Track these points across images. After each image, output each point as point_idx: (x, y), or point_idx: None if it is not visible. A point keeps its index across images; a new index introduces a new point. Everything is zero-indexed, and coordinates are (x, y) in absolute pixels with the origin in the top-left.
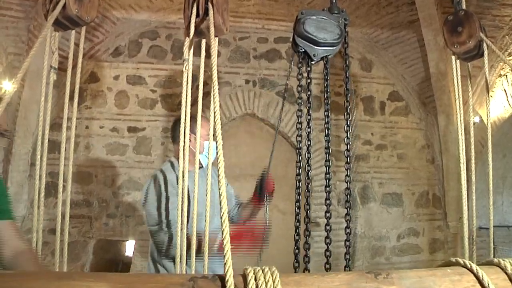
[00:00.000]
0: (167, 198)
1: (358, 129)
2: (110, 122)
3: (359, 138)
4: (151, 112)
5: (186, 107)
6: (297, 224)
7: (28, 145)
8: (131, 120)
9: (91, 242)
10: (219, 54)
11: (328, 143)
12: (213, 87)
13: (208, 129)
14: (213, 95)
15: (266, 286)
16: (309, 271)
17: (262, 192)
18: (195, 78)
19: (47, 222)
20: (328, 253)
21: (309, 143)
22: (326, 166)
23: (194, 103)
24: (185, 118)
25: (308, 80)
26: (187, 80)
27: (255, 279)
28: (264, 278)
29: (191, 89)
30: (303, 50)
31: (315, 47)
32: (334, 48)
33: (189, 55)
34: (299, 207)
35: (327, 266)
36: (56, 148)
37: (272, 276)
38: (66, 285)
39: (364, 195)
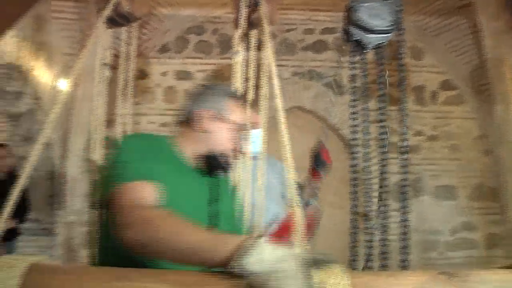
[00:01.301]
0: None
1: (409, 120)
2: (159, 118)
3: (410, 129)
4: None
5: None
6: (353, 218)
7: (82, 141)
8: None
9: None
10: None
11: (386, 134)
12: (268, 77)
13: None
14: (265, 86)
15: None
16: (369, 269)
17: (319, 163)
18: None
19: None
20: (385, 249)
21: (365, 135)
22: (382, 159)
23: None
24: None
25: (361, 70)
26: (239, 72)
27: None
28: (332, 278)
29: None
30: (356, 38)
31: (368, 35)
32: (388, 35)
33: (240, 47)
34: (354, 200)
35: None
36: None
37: (339, 276)
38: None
39: (416, 188)
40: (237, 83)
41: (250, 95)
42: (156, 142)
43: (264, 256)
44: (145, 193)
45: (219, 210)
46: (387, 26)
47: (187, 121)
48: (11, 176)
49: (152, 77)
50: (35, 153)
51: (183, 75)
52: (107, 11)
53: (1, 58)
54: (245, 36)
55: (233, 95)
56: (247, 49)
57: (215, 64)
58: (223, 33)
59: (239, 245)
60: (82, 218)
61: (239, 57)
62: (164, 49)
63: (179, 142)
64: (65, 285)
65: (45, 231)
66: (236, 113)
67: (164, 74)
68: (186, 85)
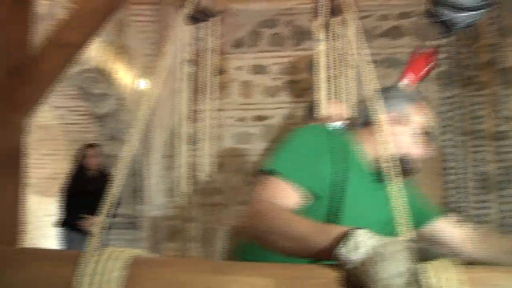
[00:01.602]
0: None
1: (497, 105)
2: (236, 113)
3: (498, 115)
4: (275, 100)
5: (321, 88)
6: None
7: (162, 138)
8: (257, 109)
9: (224, 230)
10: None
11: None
12: (350, 65)
13: (339, 110)
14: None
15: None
16: None
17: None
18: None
19: (181, 210)
20: None
21: (455, 122)
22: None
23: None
24: (319, 100)
25: (446, 54)
26: (321, 61)
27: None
28: (446, 272)
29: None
30: (443, 19)
31: (458, 14)
32: (480, 12)
33: (321, 35)
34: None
35: None
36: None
37: (454, 271)
38: (224, 281)
39: (507, 178)
40: (320, 72)
41: (332, 86)
42: (335, 139)
43: (368, 243)
44: (283, 193)
45: (390, 217)
46: (479, 3)
47: (365, 123)
48: (101, 174)
49: (227, 73)
50: (128, 152)
51: (258, 69)
52: (188, 8)
53: (88, 63)
54: (326, 25)
55: (414, 97)
56: (328, 38)
57: (289, 56)
58: (296, 25)
59: (343, 233)
60: (164, 212)
61: (320, 46)
62: (238, 44)
63: (360, 143)
64: (166, 277)
65: (131, 225)
66: (418, 115)
67: (239, 69)
68: (262, 79)
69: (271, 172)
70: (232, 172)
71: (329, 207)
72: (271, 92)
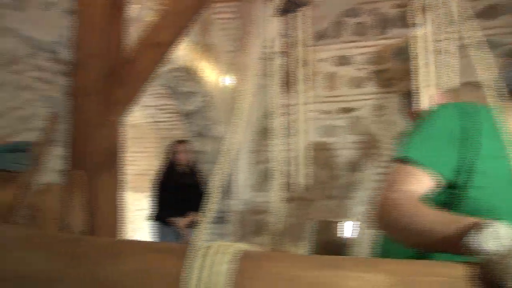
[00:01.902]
0: None
1: None
2: (321, 105)
3: None
4: (361, 91)
5: (419, 76)
6: None
7: (248, 134)
8: (342, 101)
9: (310, 224)
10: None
11: None
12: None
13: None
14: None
15: None
16: None
17: None
18: (402, 51)
19: (269, 204)
20: None
21: None
22: None
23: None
24: (417, 88)
25: None
26: (420, 46)
27: None
28: None
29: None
30: None
31: None
32: None
33: (419, 20)
34: None
35: None
36: (274, 135)
37: None
38: (335, 277)
39: None
40: (418, 59)
41: (431, 72)
42: (476, 118)
43: (500, 234)
44: (414, 180)
45: None
46: None
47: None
48: (191, 169)
49: (311, 65)
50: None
51: (342, 60)
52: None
53: (175, 62)
54: (422, 9)
55: None
56: (424, 22)
57: (374, 45)
58: (380, 13)
59: (473, 223)
60: (251, 206)
61: (417, 31)
62: (320, 36)
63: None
64: (274, 272)
65: (219, 220)
66: None
67: (322, 60)
68: (346, 70)
69: (404, 159)
70: (318, 166)
71: (460, 194)
72: (356, 83)
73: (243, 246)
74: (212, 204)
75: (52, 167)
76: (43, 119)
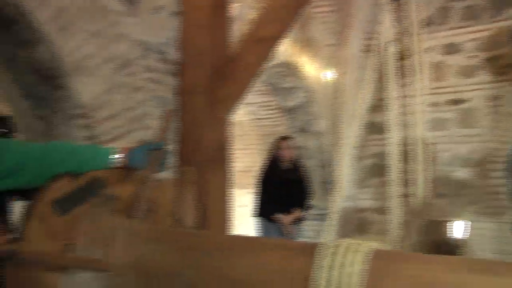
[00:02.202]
0: None
1: None
2: (427, 97)
3: None
4: (472, 81)
5: None
6: None
7: (350, 129)
8: (451, 92)
9: (416, 222)
10: None
11: None
12: None
13: None
14: None
15: None
16: None
17: None
18: None
19: (374, 201)
20: None
21: None
22: None
23: None
24: None
25: None
26: None
27: None
28: None
29: None
30: None
31: None
32: None
33: None
34: None
35: None
36: (379, 129)
37: None
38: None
39: None
40: None
41: None
42: None
43: None
44: None
45: None
46: None
47: None
48: (295, 166)
49: (416, 55)
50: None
51: (450, 48)
52: None
53: (276, 58)
54: None
55: None
56: None
57: (486, 30)
58: None
59: None
60: (354, 203)
61: None
62: (426, 23)
63: None
64: (409, 274)
65: (321, 217)
66: None
67: (428, 50)
68: (455, 59)
69: None
70: (426, 162)
71: None
72: (467, 72)
73: (374, 244)
74: (318, 200)
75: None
76: (159, 118)
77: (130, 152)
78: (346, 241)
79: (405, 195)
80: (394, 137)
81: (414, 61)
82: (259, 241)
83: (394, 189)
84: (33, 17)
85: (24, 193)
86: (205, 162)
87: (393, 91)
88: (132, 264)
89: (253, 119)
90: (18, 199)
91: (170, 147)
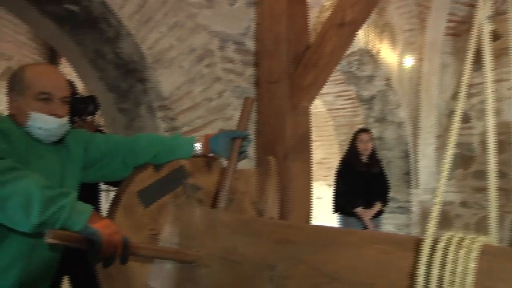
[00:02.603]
0: None
1: None
2: None
3: None
4: None
5: None
6: None
7: (432, 117)
8: None
9: (508, 217)
10: None
11: None
12: None
13: None
14: None
15: None
16: None
17: None
18: None
19: (458, 194)
20: None
21: None
22: None
23: None
24: None
25: None
26: None
27: None
28: None
29: None
30: None
31: None
32: None
33: None
34: None
35: None
36: (464, 118)
37: None
38: None
39: None
40: None
41: None
42: None
43: None
44: None
45: None
46: None
47: None
48: (374, 158)
49: (506, 36)
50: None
51: None
52: None
53: (354, 45)
54: None
55: None
56: None
57: None
58: None
59: None
60: (437, 196)
61: None
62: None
63: None
64: None
65: (401, 209)
66: None
67: None
68: None
69: None
70: None
71: None
72: None
73: (483, 239)
74: (398, 193)
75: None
76: (242, 107)
77: (211, 140)
78: (456, 236)
79: (499, 188)
80: (488, 125)
81: (503, 44)
82: (356, 234)
83: (491, 181)
84: (117, 13)
85: (112, 184)
86: (287, 152)
87: (484, 75)
88: (219, 255)
89: (328, 109)
90: (107, 190)
91: (251, 135)
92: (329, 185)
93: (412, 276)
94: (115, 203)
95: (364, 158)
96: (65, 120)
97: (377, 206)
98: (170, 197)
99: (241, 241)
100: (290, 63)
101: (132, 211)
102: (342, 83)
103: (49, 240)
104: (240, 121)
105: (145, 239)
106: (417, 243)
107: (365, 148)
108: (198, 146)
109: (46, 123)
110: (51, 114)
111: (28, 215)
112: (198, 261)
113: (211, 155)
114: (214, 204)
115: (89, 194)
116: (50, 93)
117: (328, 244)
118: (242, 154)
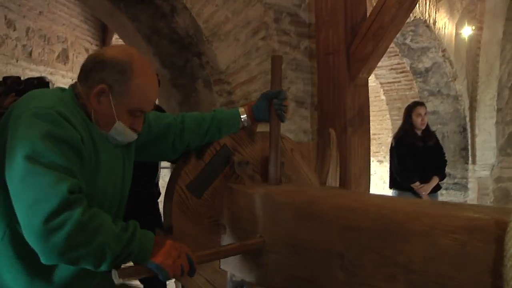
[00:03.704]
0: None
1: None
2: None
3: None
4: None
5: None
6: None
7: (492, 90)
8: None
9: None
10: None
11: None
12: None
13: None
14: None
15: None
16: None
17: None
18: None
19: None
20: None
21: None
22: None
23: None
24: None
25: None
26: None
27: None
28: None
29: None
30: None
31: None
32: None
33: None
34: None
35: None
36: None
37: None
38: None
39: None
40: None
41: None
42: None
43: None
44: None
45: None
46: None
47: None
48: (430, 132)
49: None
50: None
51: None
52: None
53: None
54: None
55: None
56: None
57: None
58: None
59: None
60: (495, 172)
61: None
62: None
63: None
64: None
65: (457, 186)
66: None
67: None
68: None
69: None
70: None
71: None
72: None
73: None
74: (454, 169)
75: (301, 127)
76: (271, 66)
77: (253, 108)
78: None
79: None
80: None
81: None
82: (424, 221)
83: None
84: None
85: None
86: (346, 124)
87: None
88: (284, 241)
89: (381, 83)
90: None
91: (284, 93)
92: (379, 161)
93: (497, 269)
94: (167, 202)
95: (419, 132)
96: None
97: (435, 180)
98: (220, 181)
99: (304, 226)
100: (348, 33)
101: (186, 205)
102: (396, 55)
103: (118, 281)
104: (273, 82)
105: (207, 229)
106: (500, 226)
107: (422, 122)
108: (244, 117)
109: (125, 137)
110: (132, 129)
111: (98, 267)
112: (264, 247)
113: (257, 121)
114: (266, 175)
115: (148, 172)
116: (143, 110)
117: (396, 232)
118: (280, 115)
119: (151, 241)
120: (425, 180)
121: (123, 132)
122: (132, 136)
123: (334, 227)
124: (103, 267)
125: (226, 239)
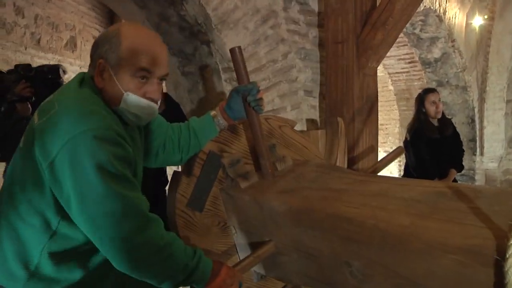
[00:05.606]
0: None
1: None
2: None
3: None
4: None
5: None
6: None
7: (502, 81)
8: None
9: None
10: None
11: None
12: None
13: None
14: None
15: None
16: None
17: None
18: None
19: None
20: None
21: None
22: None
23: None
24: None
25: None
26: None
27: None
28: None
29: None
30: None
31: None
32: None
33: None
34: None
35: None
36: None
37: None
38: None
39: None
40: None
41: None
42: None
43: None
44: None
45: None
46: None
47: None
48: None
49: None
50: None
51: None
52: None
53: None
54: None
55: None
56: None
57: None
58: None
59: None
60: (503, 164)
61: None
62: None
63: None
64: None
65: (464, 178)
66: None
67: None
68: None
69: None
70: None
71: None
72: None
73: None
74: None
75: (309, 116)
76: (232, 60)
77: (226, 108)
78: None
79: None
80: None
81: None
82: (422, 241)
83: None
84: None
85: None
86: (355, 113)
87: None
88: (291, 246)
89: (389, 73)
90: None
91: (254, 86)
92: (386, 151)
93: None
94: (173, 227)
95: (435, 122)
96: (158, 105)
97: (453, 174)
98: (217, 187)
99: (305, 234)
100: (358, 22)
101: (192, 224)
102: (404, 45)
103: None
104: (239, 76)
105: (218, 235)
106: (499, 251)
107: (437, 110)
108: (218, 120)
109: (142, 108)
110: (147, 98)
111: (159, 285)
112: (275, 251)
113: (234, 120)
114: (258, 164)
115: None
116: (149, 70)
117: (395, 248)
118: (257, 110)
119: (210, 269)
120: (442, 171)
121: (136, 102)
122: (149, 104)
123: (335, 236)
124: (164, 286)
125: (238, 238)
